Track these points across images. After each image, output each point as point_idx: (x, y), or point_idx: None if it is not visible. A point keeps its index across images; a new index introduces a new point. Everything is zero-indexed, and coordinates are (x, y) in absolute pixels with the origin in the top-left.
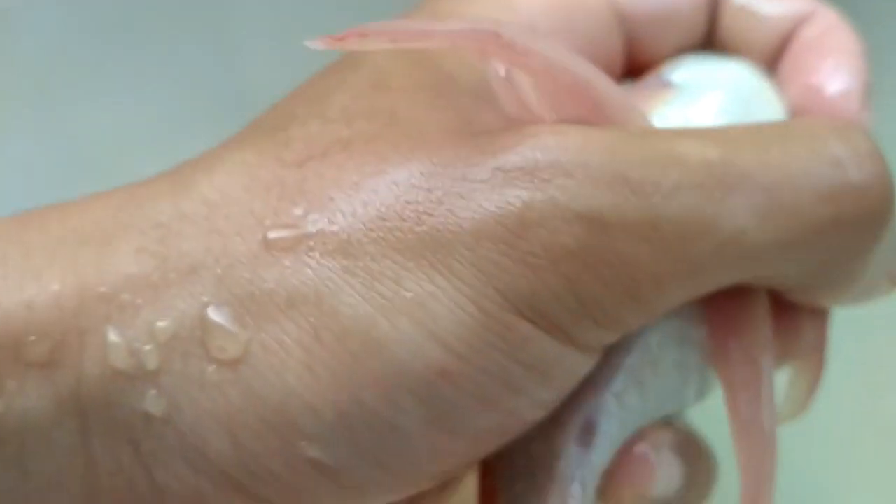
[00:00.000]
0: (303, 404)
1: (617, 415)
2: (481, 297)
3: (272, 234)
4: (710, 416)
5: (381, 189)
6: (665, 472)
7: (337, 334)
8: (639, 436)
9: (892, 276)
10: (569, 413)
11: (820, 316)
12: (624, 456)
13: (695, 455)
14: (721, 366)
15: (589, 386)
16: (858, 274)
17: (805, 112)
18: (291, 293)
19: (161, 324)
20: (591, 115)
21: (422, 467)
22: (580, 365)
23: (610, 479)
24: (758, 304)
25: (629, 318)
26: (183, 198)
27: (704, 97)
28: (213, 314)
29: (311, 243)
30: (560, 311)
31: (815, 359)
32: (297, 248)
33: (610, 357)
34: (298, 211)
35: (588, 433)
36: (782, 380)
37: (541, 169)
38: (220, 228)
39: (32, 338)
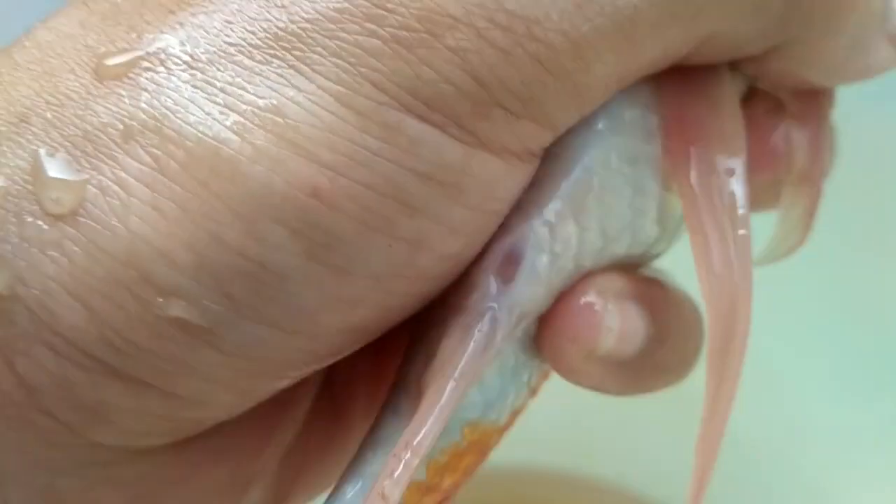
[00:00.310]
0: (153, 251)
1: (549, 248)
2: (352, 94)
3: (107, 62)
4: None
5: None
6: (617, 325)
7: (182, 161)
8: (584, 283)
9: (893, 38)
10: (489, 241)
11: (812, 121)
12: (563, 304)
13: (663, 305)
14: (681, 185)
15: (515, 211)
16: (835, 16)
17: None
18: (128, 123)
19: None
20: None
21: (316, 320)
22: (500, 175)
23: (547, 331)
24: (721, 93)
25: (550, 103)
26: (17, 48)
27: None
28: (46, 162)
29: (148, 63)
30: (455, 100)
31: (809, 180)
32: (132, 72)
33: (542, 179)
34: (135, 34)
35: (510, 264)
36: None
37: None
38: (52, 69)
39: None
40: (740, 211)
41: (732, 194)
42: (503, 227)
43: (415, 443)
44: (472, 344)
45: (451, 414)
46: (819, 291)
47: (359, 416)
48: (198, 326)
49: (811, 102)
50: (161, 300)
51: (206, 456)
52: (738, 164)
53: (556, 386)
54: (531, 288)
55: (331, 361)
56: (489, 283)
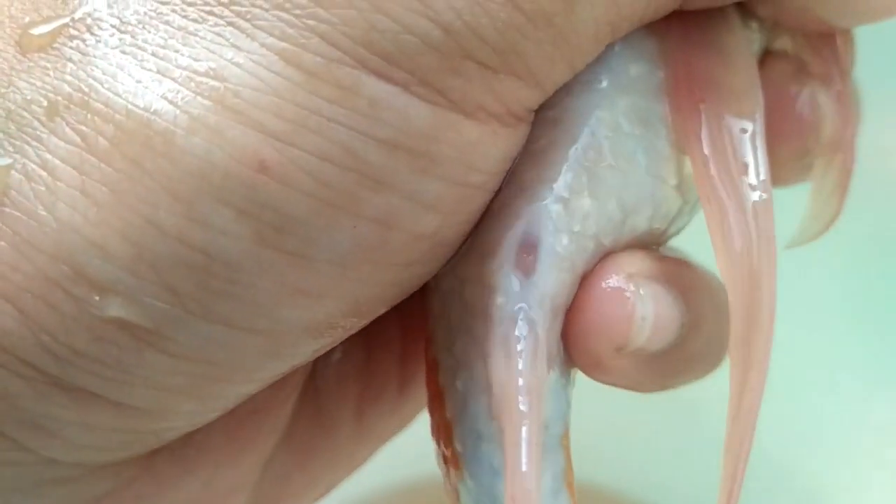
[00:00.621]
0: (84, 242)
1: (566, 225)
2: (299, 51)
3: (32, 32)
4: None
5: None
6: (651, 313)
7: (112, 138)
8: (607, 265)
9: None
10: (499, 231)
11: (836, 80)
12: (585, 291)
13: (696, 288)
14: (691, 147)
15: (521, 192)
16: None
17: None
18: (53, 99)
19: None
20: None
21: (275, 316)
22: (479, 143)
23: (570, 324)
24: (732, 42)
25: (531, 54)
26: None
27: None
28: None
29: (74, 31)
30: (419, 52)
31: (841, 146)
32: (58, 41)
33: (547, 151)
34: (60, 0)
35: (528, 253)
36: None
37: None
38: None
39: None
40: (761, 176)
41: (750, 157)
42: (511, 213)
43: (525, 490)
44: (519, 359)
45: (540, 440)
46: (820, 289)
47: (348, 421)
48: (141, 327)
49: (833, 59)
50: (97, 298)
51: (176, 469)
52: (754, 122)
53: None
54: (556, 274)
55: (301, 363)
56: (510, 281)
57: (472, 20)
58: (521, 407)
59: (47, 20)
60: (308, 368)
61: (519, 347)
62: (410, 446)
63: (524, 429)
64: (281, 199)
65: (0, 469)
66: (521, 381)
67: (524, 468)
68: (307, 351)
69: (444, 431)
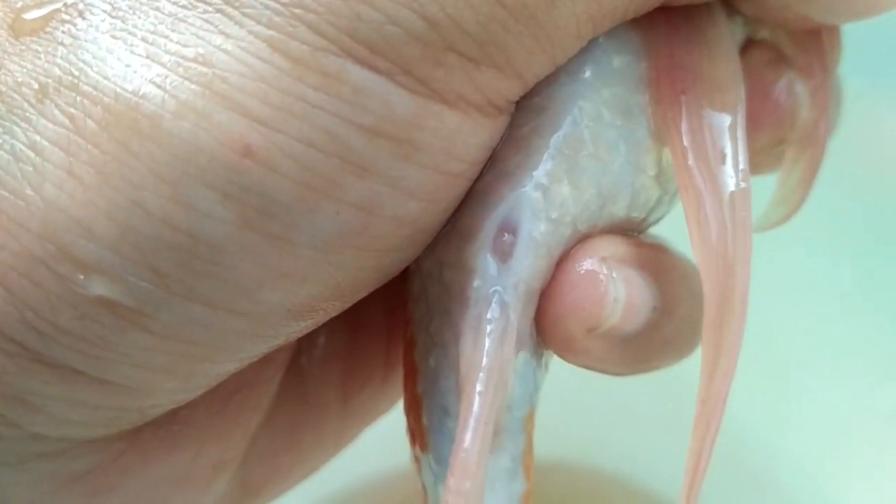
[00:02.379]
0: (70, 222)
1: (544, 212)
2: (286, 38)
3: (24, 17)
4: None
5: None
6: (623, 295)
7: (100, 120)
8: (583, 248)
9: None
10: (480, 215)
11: (816, 73)
12: (561, 273)
13: (670, 273)
14: (671, 138)
15: (503, 178)
16: None
17: None
18: (43, 81)
19: None
20: None
21: (257, 298)
22: (459, 132)
23: (544, 305)
24: (716, 35)
25: (512, 47)
26: None
27: None
28: None
29: (66, 15)
30: (402, 43)
31: (814, 138)
32: (50, 25)
33: (529, 138)
34: None
35: (507, 238)
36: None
37: None
38: None
39: None
40: (740, 166)
41: (728, 148)
42: (492, 198)
43: (464, 466)
44: (487, 340)
45: (490, 419)
46: (819, 281)
47: (333, 400)
48: (124, 306)
49: (815, 53)
50: (82, 277)
51: (161, 444)
52: (735, 114)
53: (558, 377)
54: (532, 260)
55: (281, 343)
56: (487, 263)
57: (455, 13)
58: (479, 386)
59: (40, 5)
60: (293, 347)
61: (489, 329)
62: (398, 437)
63: (476, 406)
64: (265, 184)
65: None
66: (484, 361)
67: (467, 444)
68: (287, 332)
69: (414, 406)
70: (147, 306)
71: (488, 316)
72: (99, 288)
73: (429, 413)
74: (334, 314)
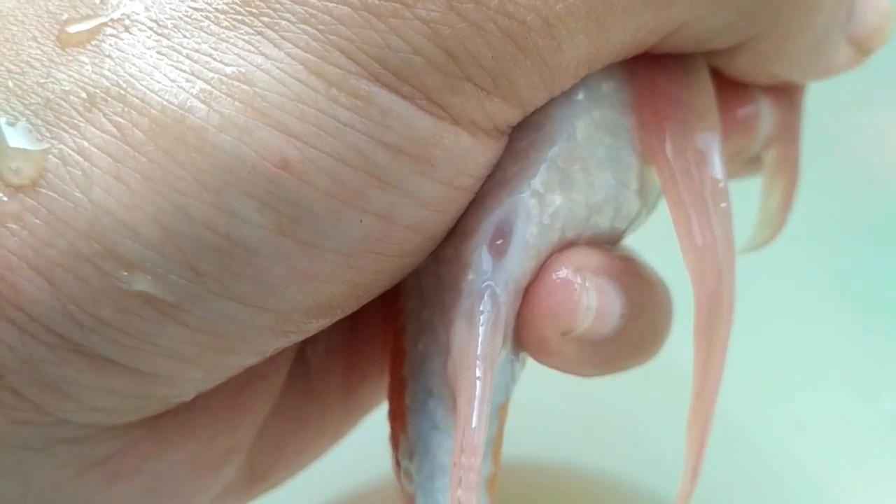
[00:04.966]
0: (116, 223)
1: (537, 218)
2: (321, 62)
3: (69, 30)
4: None
5: None
6: (595, 303)
7: (147, 130)
8: (559, 258)
9: (852, 39)
10: (479, 216)
11: (785, 100)
12: (539, 280)
13: (637, 283)
14: (657, 159)
15: (502, 185)
16: (803, 14)
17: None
18: (91, 91)
19: None
20: None
21: (285, 297)
22: (470, 151)
23: (526, 312)
24: (692, 67)
25: (520, 81)
26: None
27: None
28: (5, 131)
29: (112, 30)
30: (425, 71)
31: (785, 164)
32: (96, 39)
33: (528, 151)
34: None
35: (502, 238)
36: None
37: None
38: (13, 36)
39: None
40: (719, 185)
41: (710, 168)
42: (491, 203)
43: (472, 444)
44: (480, 328)
45: (490, 400)
46: (821, 284)
47: (335, 391)
48: (163, 301)
49: (784, 90)
50: (125, 274)
51: (178, 431)
52: (713, 138)
53: (558, 377)
54: (523, 261)
55: (300, 339)
56: (482, 260)
57: (474, 49)
58: (478, 371)
59: (86, 18)
60: (299, 343)
61: (482, 319)
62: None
63: (479, 390)
64: (299, 194)
65: (16, 428)
66: (479, 349)
67: (474, 424)
68: (307, 329)
69: (398, 388)
70: (185, 302)
71: (481, 308)
72: (141, 284)
73: (412, 394)
74: (348, 313)
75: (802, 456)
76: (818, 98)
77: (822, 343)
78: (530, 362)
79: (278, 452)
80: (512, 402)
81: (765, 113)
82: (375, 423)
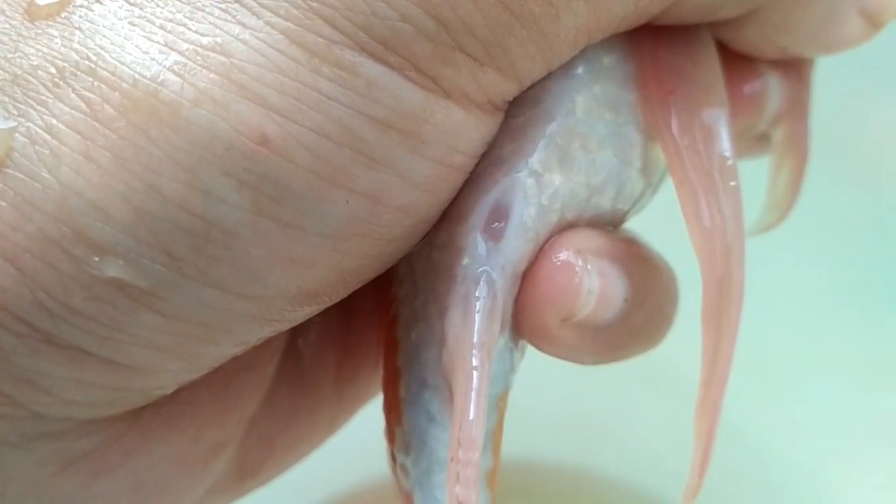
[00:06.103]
0: (86, 205)
1: (535, 198)
2: (303, 31)
3: (39, 1)
4: None
5: None
6: (597, 287)
7: (118, 105)
8: (560, 240)
9: (863, 11)
10: (474, 197)
11: (793, 75)
12: (538, 263)
13: (641, 266)
14: (662, 136)
15: (498, 163)
16: None
17: None
18: (60, 65)
19: None
20: None
21: (267, 283)
22: (462, 127)
23: (525, 298)
24: (698, 39)
25: (515, 51)
26: None
27: None
28: None
29: (83, 1)
30: (414, 40)
31: (794, 142)
32: (66, 10)
33: (525, 128)
34: None
35: (498, 221)
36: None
37: None
38: None
39: None
40: (728, 163)
41: (718, 145)
42: (486, 183)
43: (470, 437)
44: (476, 315)
45: (488, 391)
46: (820, 282)
47: (328, 383)
48: (137, 288)
49: (793, 64)
50: (96, 259)
51: (163, 425)
52: (720, 113)
53: (559, 377)
54: (521, 244)
55: (285, 328)
56: (477, 243)
57: (466, 15)
58: (474, 361)
59: None
60: (289, 333)
61: (478, 306)
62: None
63: (475, 380)
64: (280, 172)
65: None
66: (475, 338)
67: (471, 416)
68: (292, 317)
69: (393, 379)
70: (159, 288)
71: (476, 294)
72: (113, 270)
73: (407, 385)
74: (336, 300)
75: (801, 455)
76: (818, 96)
77: (821, 342)
78: (529, 360)
79: (269, 447)
80: (508, 403)
81: (772, 88)
82: (373, 417)
